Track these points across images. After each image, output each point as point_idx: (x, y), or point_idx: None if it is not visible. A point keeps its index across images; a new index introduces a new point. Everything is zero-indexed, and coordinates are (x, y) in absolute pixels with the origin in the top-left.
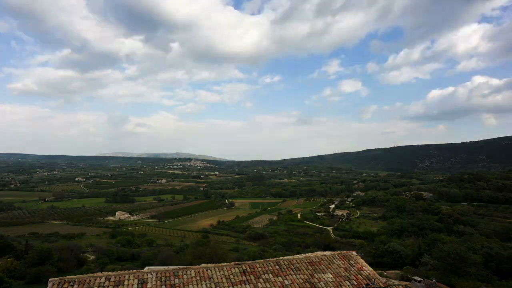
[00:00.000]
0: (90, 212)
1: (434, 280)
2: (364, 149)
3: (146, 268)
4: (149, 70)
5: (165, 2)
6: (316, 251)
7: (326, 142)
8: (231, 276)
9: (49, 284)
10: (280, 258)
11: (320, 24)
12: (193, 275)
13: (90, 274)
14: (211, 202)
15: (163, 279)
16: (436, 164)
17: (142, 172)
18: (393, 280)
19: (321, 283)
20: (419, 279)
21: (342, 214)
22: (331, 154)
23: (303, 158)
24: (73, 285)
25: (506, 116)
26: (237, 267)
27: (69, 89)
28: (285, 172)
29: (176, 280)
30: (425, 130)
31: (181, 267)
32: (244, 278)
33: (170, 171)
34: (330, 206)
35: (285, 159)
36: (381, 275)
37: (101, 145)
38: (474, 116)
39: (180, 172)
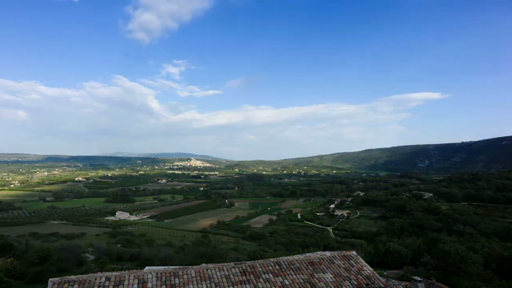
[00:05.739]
0: (90, 212)
1: (434, 280)
2: (364, 149)
3: (146, 268)
4: None
5: None
6: (316, 251)
7: (326, 142)
8: (231, 276)
9: (49, 284)
10: (280, 258)
11: None
12: (193, 275)
13: (90, 274)
14: (211, 202)
15: (163, 279)
16: (436, 164)
17: (142, 172)
18: (393, 280)
19: (321, 283)
20: (419, 279)
21: (342, 214)
22: (331, 154)
23: (303, 158)
24: (73, 285)
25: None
26: (237, 267)
27: None
28: (285, 172)
29: (176, 280)
30: None
31: (181, 267)
32: (244, 278)
33: (170, 171)
34: (330, 206)
35: (285, 159)
36: (381, 275)
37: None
38: None
39: (180, 172)
